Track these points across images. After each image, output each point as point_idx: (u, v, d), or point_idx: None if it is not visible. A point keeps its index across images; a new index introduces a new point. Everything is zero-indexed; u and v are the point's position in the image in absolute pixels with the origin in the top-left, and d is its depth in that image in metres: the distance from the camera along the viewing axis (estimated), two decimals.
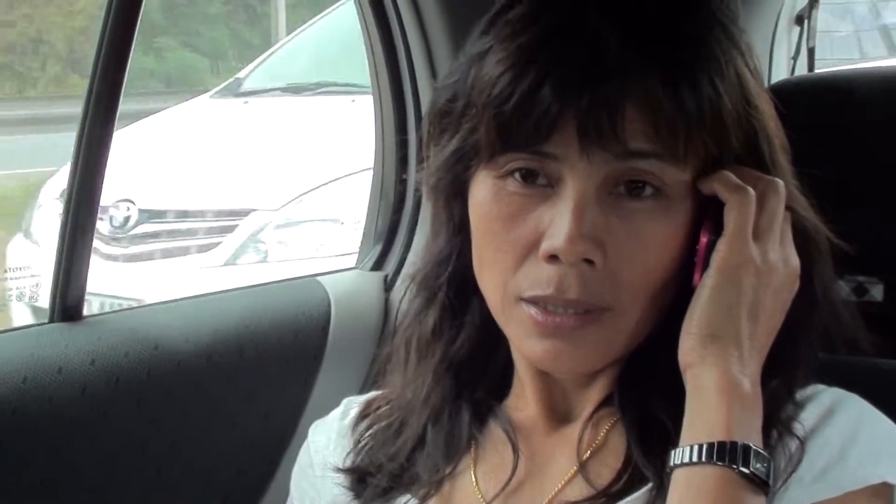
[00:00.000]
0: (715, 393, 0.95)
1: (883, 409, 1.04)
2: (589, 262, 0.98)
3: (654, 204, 0.99)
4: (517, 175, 1.00)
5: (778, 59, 2.35)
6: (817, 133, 1.37)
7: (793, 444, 0.99)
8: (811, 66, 2.48)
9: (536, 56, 0.98)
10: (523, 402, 1.11)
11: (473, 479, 1.09)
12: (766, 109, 1.04)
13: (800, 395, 1.04)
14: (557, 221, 0.97)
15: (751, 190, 1.00)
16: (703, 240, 1.00)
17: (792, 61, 2.43)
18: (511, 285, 1.01)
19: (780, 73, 2.34)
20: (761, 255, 0.99)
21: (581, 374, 1.07)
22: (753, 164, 1.02)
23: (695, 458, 0.94)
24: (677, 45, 0.98)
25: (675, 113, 0.96)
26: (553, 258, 0.98)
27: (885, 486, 0.98)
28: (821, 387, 1.05)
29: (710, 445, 0.93)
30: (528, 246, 1.00)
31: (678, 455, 0.95)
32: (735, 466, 0.92)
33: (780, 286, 1.00)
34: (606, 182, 0.98)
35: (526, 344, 1.03)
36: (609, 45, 0.96)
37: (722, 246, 0.99)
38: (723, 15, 1.03)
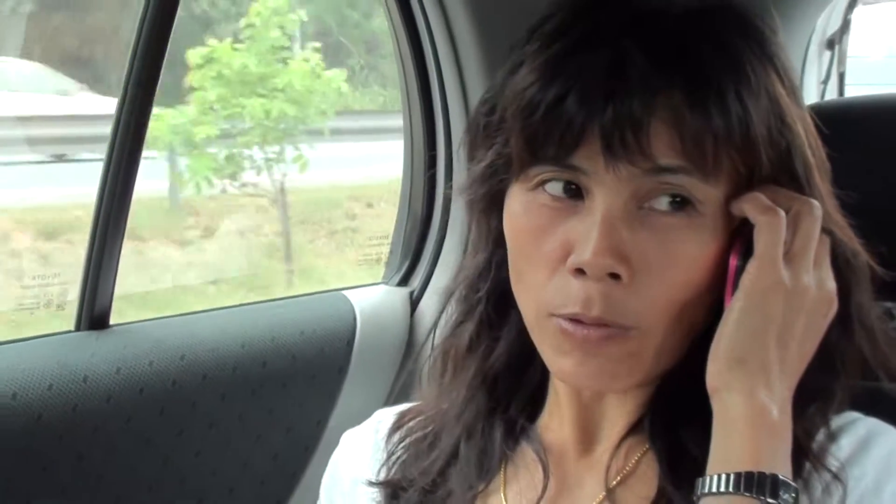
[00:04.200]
0: (742, 420, 0.94)
1: None
2: (615, 276, 0.97)
3: (685, 220, 0.97)
4: (547, 188, 1.00)
5: (808, 83, 2.35)
6: (849, 158, 1.37)
7: (828, 475, 0.97)
8: (841, 91, 2.48)
9: (562, 67, 0.97)
10: (557, 421, 1.10)
11: (503, 499, 1.09)
12: (803, 129, 1.03)
13: (834, 423, 1.02)
14: (585, 235, 0.96)
15: (781, 211, 0.98)
16: (733, 262, 0.99)
17: (822, 86, 2.43)
18: (542, 300, 1.01)
19: (810, 98, 2.33)
20: (792, 279, 0.97)
21: (610, 393, 1.06)
22: (789, 185, 1.00)
23: (721, 488, 0.92)
24: (704, 60, 0.97)
25: (702, 129, 0.95)
26: (579, 272, 0.98)
27: None
28: (855, 415, 1.03)
29: (738, 475, 0.91)
30: (558, 259, 0.99)
31: (705, 484, 0.93)
32: (762, 497, 0.91)
33: (814, 311, 0.98)
34: (635, 196, 0.97)
35: (556, 360, 1.02)
36: (633, 58, 0.95)
37: (751, 268, 0.97)
38: (759, 32, 1.01)
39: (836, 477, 0.96)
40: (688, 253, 0.97)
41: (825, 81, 2.44)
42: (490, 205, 1.06)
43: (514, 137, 1.00)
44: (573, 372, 1.01)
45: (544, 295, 1.00)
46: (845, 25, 2.46)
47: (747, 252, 0.98)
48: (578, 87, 0.95)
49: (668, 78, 0.95)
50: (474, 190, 1.07)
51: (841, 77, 2.48)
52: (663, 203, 0.97)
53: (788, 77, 1.02)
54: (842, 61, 2.47)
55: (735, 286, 0.98)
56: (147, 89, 1.68)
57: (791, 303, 0.97)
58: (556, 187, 0.99)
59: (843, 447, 0.98)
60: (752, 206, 0.98)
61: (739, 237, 0.99)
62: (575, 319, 0.98)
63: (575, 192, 0.99)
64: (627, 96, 0.94)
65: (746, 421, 0.94)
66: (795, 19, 2.12)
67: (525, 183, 1.01)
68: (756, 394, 0.94)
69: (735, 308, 0.97)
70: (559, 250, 0.99)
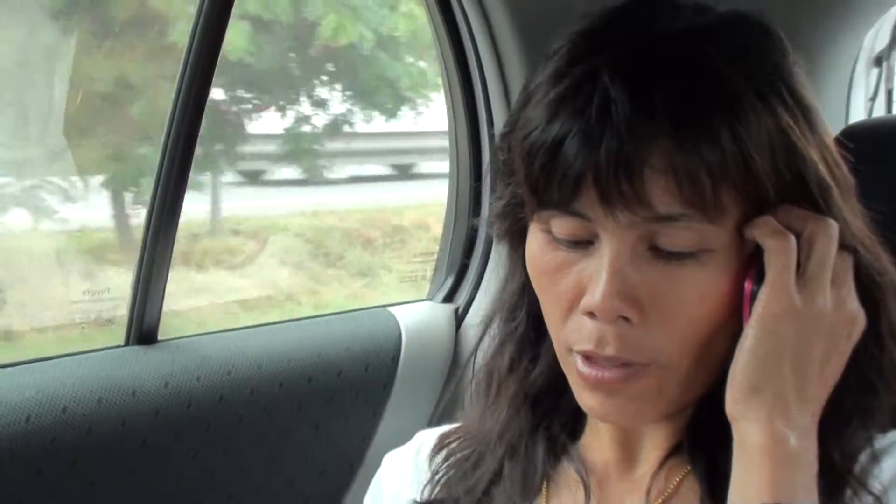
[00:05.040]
0: (758, 451, 0.93)
1: None
2: (626, 319, 0.97)
3: (695, 257, 0.96)
4: (557, 232, 1.00)
5: (856, 101, 2.34)
6: (886, 175, 1.36)
7: (870, 498, 0.96)
8: (889, 107, 2.46)
9: (560, 112, 0.96)
10: (598, 441, 1.10)
11: None
12: (819, 153, 1.00)
13: (878, 444, 1.00)
14: (595, 279, 0.96)
15: (791, 235, 0.96)
16: (748, 287, 0.97)
17: (870, 103, 2.42)
18: (562, 336, 1.01)
19: (857, 115, 2.32)
20: (806, 302, 0.96)
21: (639, 425, 1.06)
22: (805, 204, 0.99)
23: None
24: (695, 101, 0.94)
25: (696, 172, 0.93)
26: (592, 314, 0.98)
27: None
28: None
29: None
30: (573, 299, 0.99)
31: None
32: None
33: (833, 333, 0.97)
34: (642, 239, 0.96)
35: (579, 396, 1.02)
36: (622, 106, 0.93)
37: (762, 295, 0.96)
38: (761, 60, 0.99)
39: (878, 500, 0.95)
40: (700, 289, 0.96)
41: (873, 98, 2.43)
42: (515, 238, 1.07)
43: (521, 182, 1.00)
44: (597, 408, 1.01)
45: (563, 332, 1.00)
46: (893, 42, 2.45)
47: (761, 276, 0.97)
48: (572, 136, 0.94)
49: (655, 124, 0.93)
50: (498, 225, 1.08)
51: (889, 94, 2.46)
52: (671, 246, 0.96)
53: (798, 101, 0.99)
54: (890, 78, 2.46)
55: (751, 311, 0.97)
56: (195, 111, 1.70)
57: (806, 327, 0.95)
58: (565, 231, 0.99)
59: (886, 469, 0.97)
60: (761, 231, 0.96)
61: (754, 262, 0.98)
62: (590, 357, 0.98)
63: (584, 236, 0.98)
64: (618, 145, 0.93)
65: (763, 451, 0.93)
66: (843, 36, 2.11)
67: (539, 223, 1.01)
68: (772, 422, 0.93)
69: (748, 335, 0.95)
70: (573, 291, 0.98)
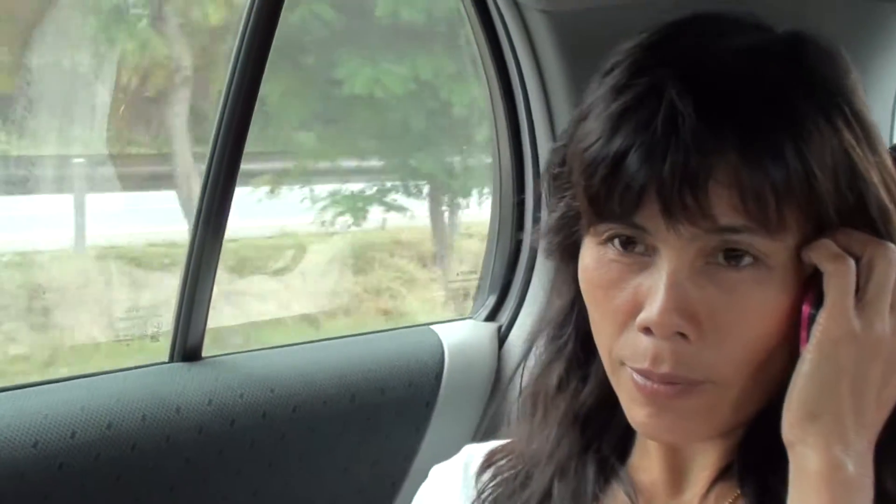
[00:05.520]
0: (816, 476, 0.92)
1: None
2: (684, 335, 0.96)
3: (754, 274, 0.95)
4: (616, 243, 0.99)
5: None
6: None
7: None
8: None
9: (621, 126, 0.96)
10: (647, 461, 1.09)
11: None
12: (878, 175, 0.99)
13: None
14: (652, 293, 0.96)
15: (850, 259, 0.96)
16: (805, 311, 0.96)
17: None
18: (615, 351, 1.01)
19: None
20: (865, 327, 0.95)
21: (688, 444, 1.05)
22: (865, 227, 0.98)
23: None
24: (760, 117, 0.94)
25: (760, 188, 0.93)
26: (648, 330, 0.97)
27: None
28: None
29: None
30: (628, 314, 0.99)
31: None
32: None
33: (891, 358, 0.95)
34: (701, 253, 0.95)
35: (631, 410, 1.01)
36: (687, 120, 0.93)
37: (821, 319, 0.95)
38: (823, 80, 0.98)
39: None
40: (757, 308, 0.95)
41: None
42: (567, 253, 1.06)
43: (579, 195, 1.00)
44: (647, 423, 1.00)
45: (616, 347, 1.00)
46: None
47: (820, 300, 0.96)
48: (636, 148, 0.94)
49: (722, 138, 0.93)
50: (550, 239, 1.07)
51: None
52: (730, 259, 0.95)
53: (860, 121, 0.99)
54: None
55: (809, 335, 0.96)
56: (240, 127, 1.71)
57: (864, 352, 0.95)
58: (626, 241, 0.98)
59: None
60: (820, 255, 0.96)
61: (812, 285, 0.97)
62: (645, 374, 0.98)
63: (643, 249, 0.98)
64: (683, 158, 0.92)
65: (820, 477, 0.92)
66: (888, 53, 2.10)
67: (595, 237, 1.00)
68: (831, 449, 0.92)
69: (806, 360, 0.95)
70: (629, 304, 0.98)
